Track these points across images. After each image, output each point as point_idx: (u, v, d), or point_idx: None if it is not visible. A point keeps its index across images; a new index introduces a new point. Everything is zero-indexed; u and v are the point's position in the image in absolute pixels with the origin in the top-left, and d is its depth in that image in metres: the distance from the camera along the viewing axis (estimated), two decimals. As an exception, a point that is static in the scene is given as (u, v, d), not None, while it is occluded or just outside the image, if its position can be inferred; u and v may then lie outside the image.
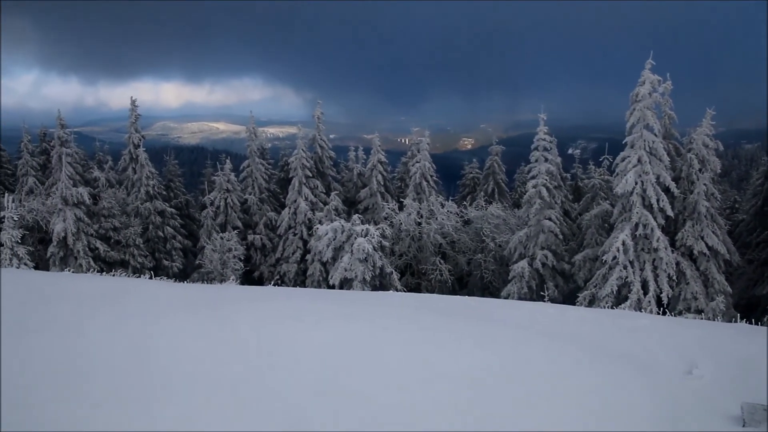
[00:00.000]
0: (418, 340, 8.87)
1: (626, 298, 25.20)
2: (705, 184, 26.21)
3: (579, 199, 36.21)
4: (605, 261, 25.85)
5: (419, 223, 34.48)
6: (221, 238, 34.68)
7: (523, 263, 29.36)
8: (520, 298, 28.37)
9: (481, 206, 37.76)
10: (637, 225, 25.59)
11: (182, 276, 36.75)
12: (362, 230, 29.30)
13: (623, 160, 26.19)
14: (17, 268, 26.36)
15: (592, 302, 26.36)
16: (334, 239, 30.03)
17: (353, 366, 7.42)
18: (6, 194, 29.97)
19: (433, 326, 9.96)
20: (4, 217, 27.41)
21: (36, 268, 29.24)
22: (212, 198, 38.69)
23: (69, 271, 27.61)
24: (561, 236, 30.35)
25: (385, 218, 35.33)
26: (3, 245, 27.56)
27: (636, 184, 25.30)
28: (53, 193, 34.94)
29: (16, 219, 28.41)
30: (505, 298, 28.74)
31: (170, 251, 38.60)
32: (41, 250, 34.30)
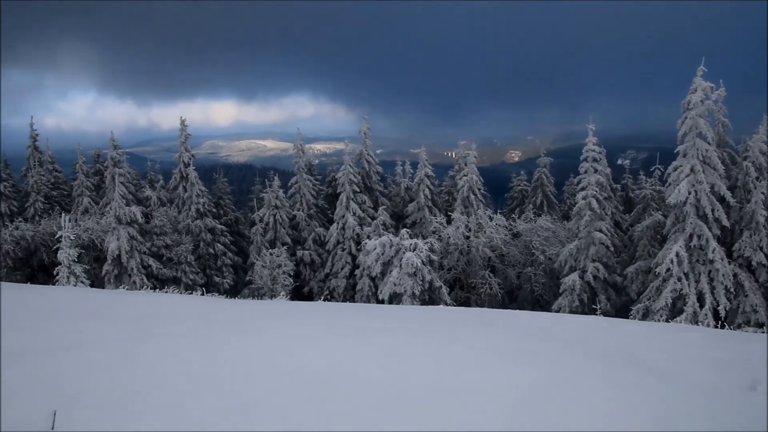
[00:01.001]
0: (469, 356, 8.83)
1: (681, 311, 24.79)
2: (762, 193, 25.68)
3: (630, 210, 35.80)
4: (658, 273, 25.49)
5: (468, 237, 34.48)
6: (271, 254, 35.18)
7: (574, 276, 29.12)
8: (571, 312, 28.13)
9: (530, 219, 37.59)
10: (691, 236, 25.20)
11: (233, 292, 37.34)
12: (411, 244, 29.46)
13: (675, 169, 25.86)
14: (74, 285, 27.23)
15: (645, 315, 26.00)
16: (382, 254, 30.25)
17: (396, 379, 7.44)
18: (63, 214, 30.98)
19: (483, 341, 9.97)
20: (61, 236, 28.36)
21: (92, 285, 30.06)
22: (261, 215, 39.28)
23: (123, 288, 28.44)
24: (612, 248, 30.04)
25: (433, 232, 35.43)
26: (61, 264, 28.50)
27: (689, 193, 24.95)
28: (107, 213, 35.97)
29: (73, 238, 29.34)
30: (556, 311, 28.52)
31: (221, 268, 39.28)
32: (96, 268, 35.22)
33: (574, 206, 30.85)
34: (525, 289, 34.50)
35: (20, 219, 39.38)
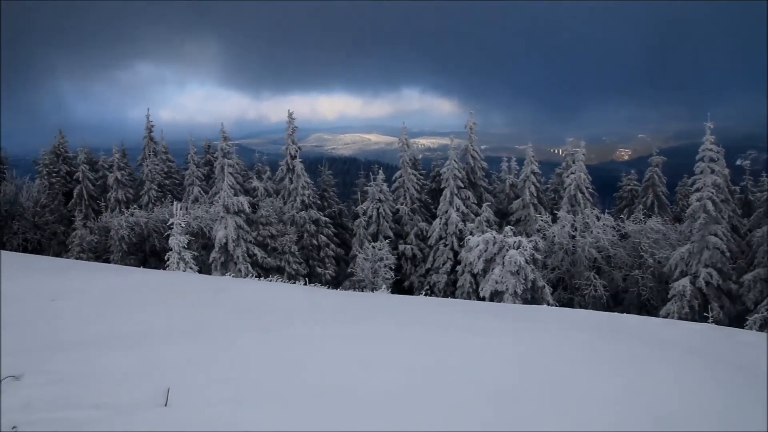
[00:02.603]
0: (567, 359, 8.54)
1: (802, 322, 23.79)
2: None
3: (749, 214, 34.38)
4: (778, 281, 24.52)
5: (573, 236, 34.05)
6: (373, 247, 35.86)
7: (685, 281, 28.33)
8: (680, 318, 27.40)
9: (640, 220, 36.66)
10: (815, 243, 24.11)
11: (335, 283, 38.22)
12: (514, 242, 29.41)
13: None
14: (183, 271, 28.69)
15: (763, 327, 25.05)
16: (485, 251, 30.32)
17: (518, 383, 7.14)
18: (174, 202, 32.64)
19: (590, 345, 9.77)
20: (172, 223, 29.92)
21: (199, 272, 31.53)
22: (365, 207, 40.02)
23: (229, 275, 29.73)
24: (728, 253, 28.99)
25: (538, 230, 35.19)
26: (171, 249, 30.10)
27: (815, 199, 23.86)
28: (216, 202, 37.60)
29: (183, 225, 30.86)
30: (664, 317, 27.85)
31: (323, 259, 40.27)
32: (204, 255, 36.84)
33: (687, 208, 29.97)
34: (631, 292, 33.76)
35: (135, 206, 41.62)
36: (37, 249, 39.73)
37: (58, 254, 38.25)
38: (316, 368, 7.11)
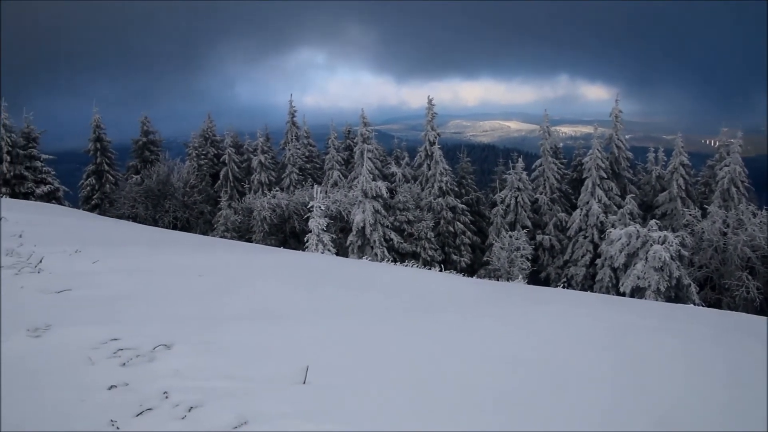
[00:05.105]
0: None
1: None
2: None
3: None
4: None
5: (724, 233, 32.79)
6: (510, 236, 36.02)
7: None
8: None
9: (803, 218, 34.78)
10: None
11: (469, 271, 38.61)
12: (659, 237, 28.82)
13: None
14: (322, 253, 29.95)
15: None
16: (627, 245, 29.89)
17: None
18: (314, 186, 34.08)
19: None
20: (312, 206, 31.32)
21: (336, 254, 32.80)
22: (503, 196, 40.17)
23: (366, 259, 30.81)
24: None
25: (685, 225, 34.13)
26: (311, 231, 31.54)
27: None
28: (354, 186, 38.88)
29: (323, 209, 32.23)
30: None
31: (459, 246, 40.75)
32: (342, 238, 38.20)
33: None
34: (789, 296, 32.18)
35: (277, 188, 43.59)
36: (186, 227, 42.35)
37: (204, 232, 40.63)
38: (461, 358, 6.96)
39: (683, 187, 37.92)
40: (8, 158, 35.91)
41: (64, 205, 34.78)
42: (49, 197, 36.55)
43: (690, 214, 34.57)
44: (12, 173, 35.87)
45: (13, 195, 34.44)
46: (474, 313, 10.14)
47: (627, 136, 42.16)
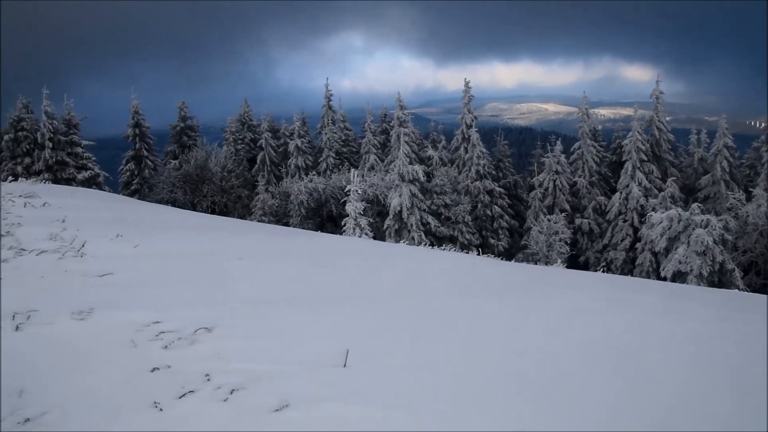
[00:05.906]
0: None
1: None
2: None
3: None
4: None
5: (770, 217, 32.18)
6: (548, 220, 35.73)
7: None
8: None
9: None
10: None
11: (507, 255, 38.41)
12: (702, 221, 28.34)
13: None
14: (359, 237, 29.99)
15: None
16: (668, 228, 29.44)
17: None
18: (351, 170, 34.10)
19: None
20: (349, 190, 31.37)
21: (374, 238, 32.84)
22: (541, 179, 39.82)
23: (403, 243, 30.82)
24: None
25: (729, 209, 33.52)
26: (348, 215, 31.62)
27: None
28: (391, 170, 38.81)
29: (360, 192, 32.25)
30: None
31: (497, 230, 40.53)
32: (379, 222, 38.22)
33: None
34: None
35: (314, 172, 43.76)
36: (224, 211, 42.75)
37: (242, 216, 40.94)
38: (501, 344, 6.83)
39: (727, 170, 37.22)
40: (50, 144, 36.67)
41: (105, 191, 35.32)
42: (90, 183, 37.23)
43: (734, 198, 33.95)
44: (54, 159, 36.67)
45: (55, 180, 35.13)
46: (515, 300, 9.84)
47: (668, 118, 41.46)
